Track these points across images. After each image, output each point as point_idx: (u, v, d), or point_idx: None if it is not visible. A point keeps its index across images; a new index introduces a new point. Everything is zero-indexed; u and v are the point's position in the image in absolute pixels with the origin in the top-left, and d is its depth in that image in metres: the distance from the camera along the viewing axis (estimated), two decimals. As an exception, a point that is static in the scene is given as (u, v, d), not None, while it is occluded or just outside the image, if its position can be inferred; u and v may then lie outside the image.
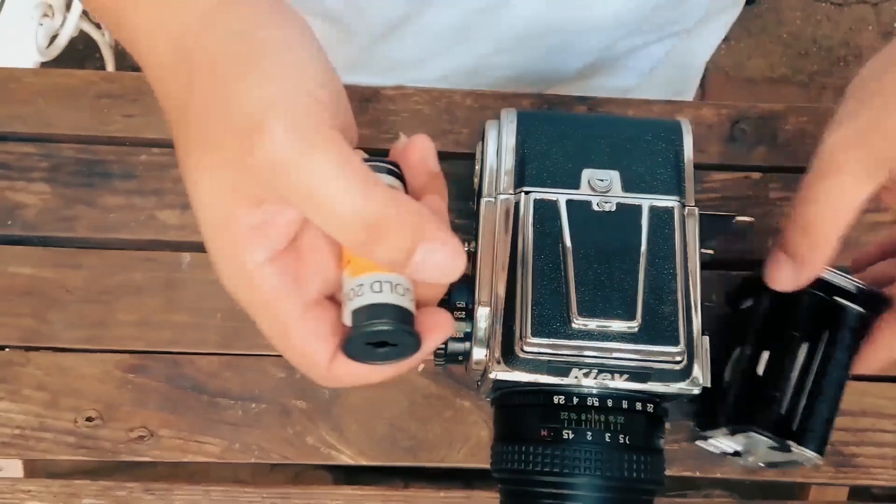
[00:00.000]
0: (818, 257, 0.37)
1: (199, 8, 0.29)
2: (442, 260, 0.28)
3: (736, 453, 0.46)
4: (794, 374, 0.41)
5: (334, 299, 0.31)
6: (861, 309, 0.42)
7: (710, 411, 0.45)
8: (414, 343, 0.30)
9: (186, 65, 0.28)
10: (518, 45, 0.56)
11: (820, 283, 0.41)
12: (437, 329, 0.30)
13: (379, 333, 0.29)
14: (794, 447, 0.41)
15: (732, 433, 0.43)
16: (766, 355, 0.42)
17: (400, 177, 0.32)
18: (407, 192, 0.32)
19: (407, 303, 0.30)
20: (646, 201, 0.39)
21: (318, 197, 0.26)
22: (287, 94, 0.27)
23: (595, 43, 0.57)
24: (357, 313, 0.29)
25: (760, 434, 0.41)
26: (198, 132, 0.28)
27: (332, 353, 0.30)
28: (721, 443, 0.45)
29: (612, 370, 0.37)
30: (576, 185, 0.40)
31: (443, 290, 0.32)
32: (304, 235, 0.30)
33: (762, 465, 0.46)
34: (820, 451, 0.41)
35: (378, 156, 0.32)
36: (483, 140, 0.43)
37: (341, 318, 0.30)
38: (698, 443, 0.47)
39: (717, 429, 0.44)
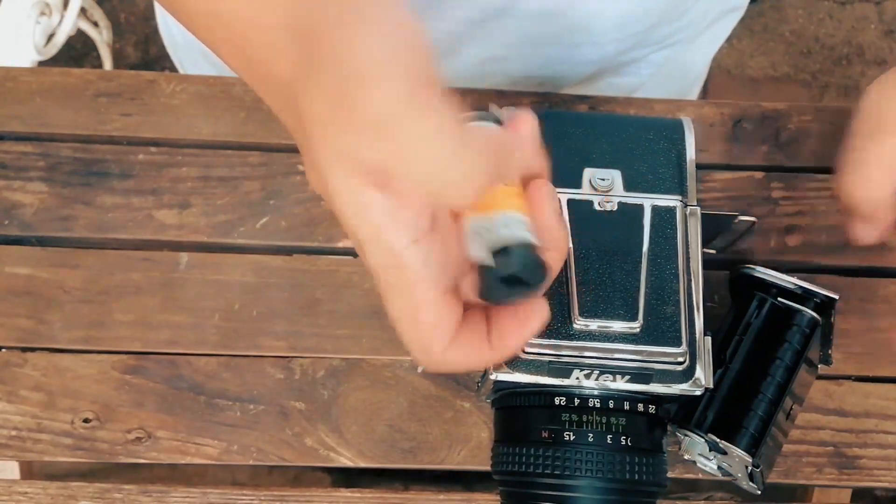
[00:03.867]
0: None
1: None
2: None
3: (720, 468, 0.45)
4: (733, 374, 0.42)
5: (458, 291, 0.32)
6: (813, 313, 0.43)
7: None
8: (542, 275, 0.30)
9: (305, 41, 0.28)
10: (518, 53, 0.56)
11: (773, 288, 0.43)
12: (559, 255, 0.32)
13: (517, 260, 0.29)
14: (726, 446, 0.41)
15: (673, 433, 0.43)
16: None
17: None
18: None
19: (533, 238, 0.31)
20: (648, 201, 0.39)
21: (422, 154, 0.26)
22: (396, 49, 0.27)
23: (593, 56, 0.57)
24: (493, 247, 0.30)
25: (693, 433, 0.42)
26: (319, 108, 0.27)
27: (449, 342, 0.31)
28: (703, 463, 0.45)
29: (614, 371, 0.36)
30: (577, 185, 0.39)
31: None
32: (441, 218, 0.30)
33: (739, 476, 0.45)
34: (750, 451, 0.40)
35: None
36: (483, 139, 0.42)
37: (466, 253, 0.30)
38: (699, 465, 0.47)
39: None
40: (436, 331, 0.30)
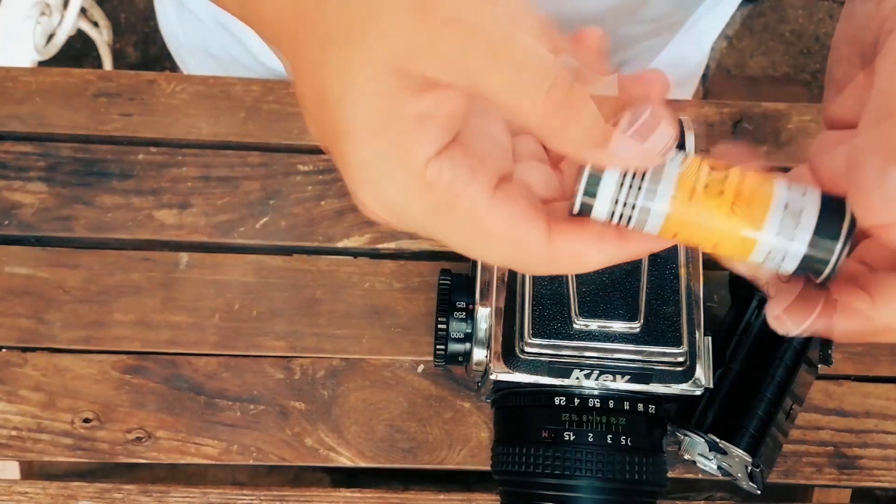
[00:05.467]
0: None
1: None
2: (654, 129, 0.24)
3: (720, 468, 0.45)
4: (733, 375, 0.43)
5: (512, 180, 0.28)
6: None
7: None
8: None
9: None
10: None
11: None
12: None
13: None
14: (725, 446, 0.41)
15: (673, 433, 0.44)
16: None
17: None
18: None
19: None
20: (648, 201, 0.39)
21: (506, 52, 0.24)
22: None
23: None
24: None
25: (693, 433, 0.42)
26: (343, 20, 0.25)
27: (547, 226, 0.26)
28: (703, 463, 0.45)
29: (614, 371, 0.36)
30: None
31: None
32: (466, 128, 0.27)
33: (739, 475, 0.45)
34: (750, 451, 0.40)
35: None
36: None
37: (571, 210, 0.27)
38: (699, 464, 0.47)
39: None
40: (517, 224, 0.26)
